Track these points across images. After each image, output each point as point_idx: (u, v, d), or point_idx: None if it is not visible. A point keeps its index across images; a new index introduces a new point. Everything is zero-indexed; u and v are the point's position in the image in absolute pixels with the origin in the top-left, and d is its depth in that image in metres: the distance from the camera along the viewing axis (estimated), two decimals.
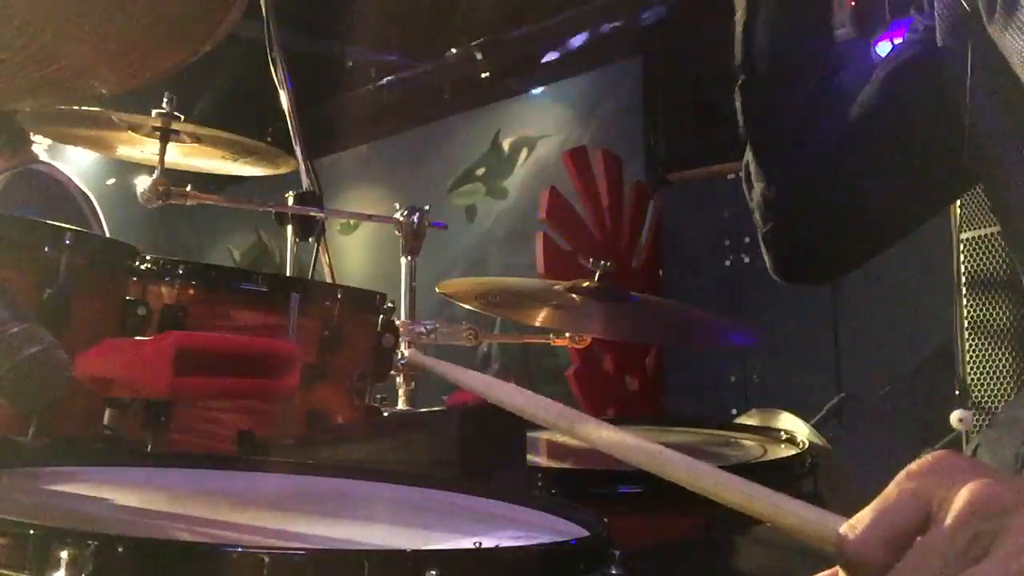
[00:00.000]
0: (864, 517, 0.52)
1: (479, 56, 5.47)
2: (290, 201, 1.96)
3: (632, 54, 4.98)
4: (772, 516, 0.55)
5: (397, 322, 1.67)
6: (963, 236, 2.35)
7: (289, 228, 1.98)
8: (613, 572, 0.59)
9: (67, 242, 1.10)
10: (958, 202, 2.30)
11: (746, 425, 1.88)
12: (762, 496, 0.56)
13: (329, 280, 2.12)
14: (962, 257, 2.37)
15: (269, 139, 2.16)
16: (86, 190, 2.73)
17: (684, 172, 4.24)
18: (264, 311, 1.46)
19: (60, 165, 2.78)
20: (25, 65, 0.54)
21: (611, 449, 0.62)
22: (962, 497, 0.49)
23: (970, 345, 2.30)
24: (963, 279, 2.37)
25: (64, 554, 0.48)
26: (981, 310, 2.31)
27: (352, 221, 6.17)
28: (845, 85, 1.05)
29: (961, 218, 2.36)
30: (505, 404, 0.68)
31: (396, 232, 1.93)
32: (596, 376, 4.02)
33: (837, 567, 0.53)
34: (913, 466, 0.52)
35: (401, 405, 1.84)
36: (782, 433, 1.66)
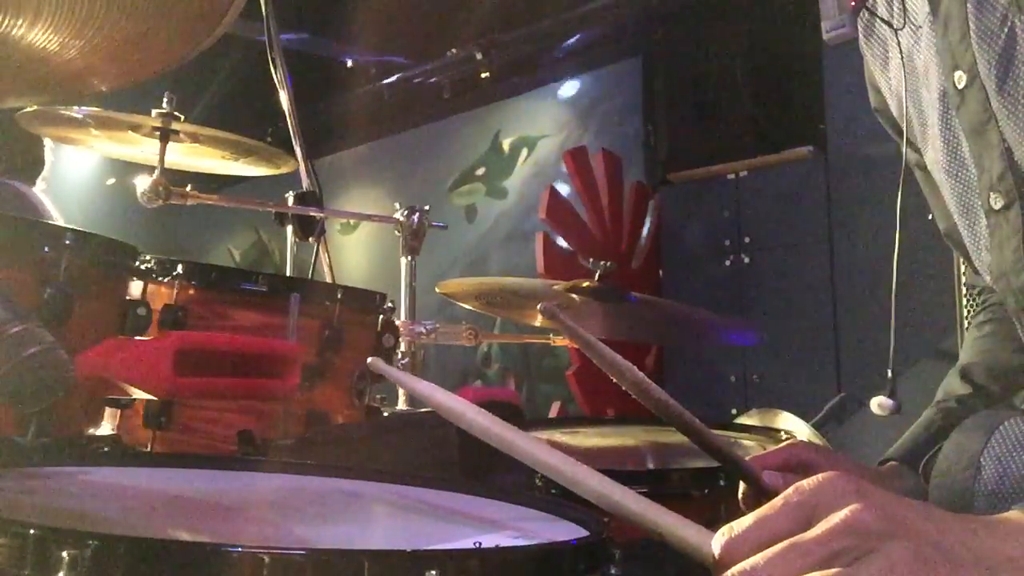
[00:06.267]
0: (745, 521, 0.55)
1: (479, 56, 5.46)
2: (290, 201, 1.96)
3: (632, 54, 4.99)
4: (658, 529, 0.59)
5: (397, 322, 1.67)
6: None
7: (289, 228, 1.98)
8: (613, 572, 0.59)
9: (67, 242, 1.09)
10: None
11: (746, 425, 1.87)
12: (653, 513, 0.59)
13: (329, 280, 2.13)
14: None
15: (269, 139, 2.16)
16: (55, 212, 2.70)
17: (684, 172, 4.25)
18: (264, 311, 1.46)
19: (61, 168, 2.77)
20: (25, 64, 0.54)
21: (531, 462, 0.67)
22: (841, 514, 0.52)
23: None
24: (963, 279, 2.36)
25: (64, 554, 0.48)
26: None
27: (352, 221, 6.18)
28: None
29: None
30: (444, 412, 0.72)
31: (396, 232, 1.93)
32: (596, 376, 4.00)
33: None
34: (803, 483, 0.55)
35: (401, 405, 1.84)
36: (782, 433, 1.66)
